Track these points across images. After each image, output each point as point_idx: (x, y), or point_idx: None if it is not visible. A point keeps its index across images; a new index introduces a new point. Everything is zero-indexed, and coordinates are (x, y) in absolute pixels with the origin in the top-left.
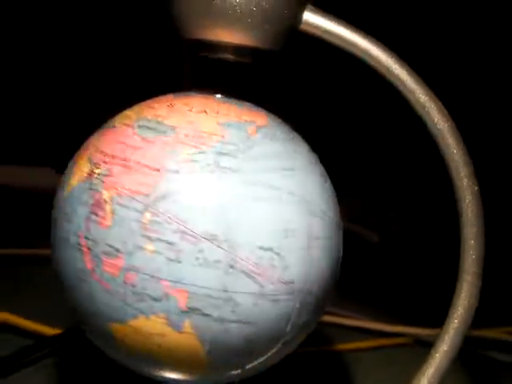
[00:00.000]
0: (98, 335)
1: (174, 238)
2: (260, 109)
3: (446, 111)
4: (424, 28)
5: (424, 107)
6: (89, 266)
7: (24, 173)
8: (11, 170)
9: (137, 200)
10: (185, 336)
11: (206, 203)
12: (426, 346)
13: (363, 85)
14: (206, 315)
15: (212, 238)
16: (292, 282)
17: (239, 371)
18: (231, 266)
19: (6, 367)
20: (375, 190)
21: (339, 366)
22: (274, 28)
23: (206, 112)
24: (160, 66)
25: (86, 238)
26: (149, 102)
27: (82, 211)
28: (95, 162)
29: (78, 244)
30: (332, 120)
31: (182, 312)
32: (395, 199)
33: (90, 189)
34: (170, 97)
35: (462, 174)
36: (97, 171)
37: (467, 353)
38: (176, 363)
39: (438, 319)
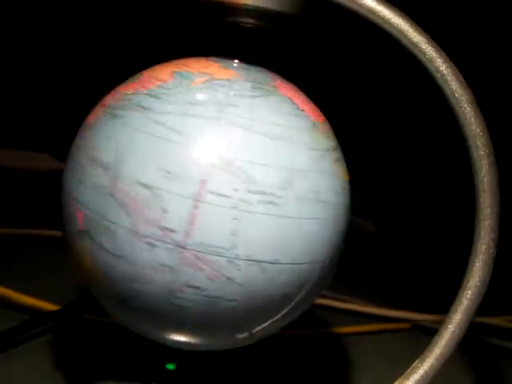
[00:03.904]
0: None
1: None
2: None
3: (462, 78)
4: None
5: (442, 75)
6: None
7: (23, 157)
8: (12, 154)
9: None
10: None
11: None
12: (423, 332)
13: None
14: None
15: None
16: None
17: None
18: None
19: (2, 342)
20: (372, 182)
21: (339, 349)
22: None
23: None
24: (155, 40)
25: None
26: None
27: None
28: None
29: None
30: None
31: None
32: (391, 191)
33: None
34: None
35: (479, 143)
36: None
37: (472, 339)
38: None
39: (437, 306)
